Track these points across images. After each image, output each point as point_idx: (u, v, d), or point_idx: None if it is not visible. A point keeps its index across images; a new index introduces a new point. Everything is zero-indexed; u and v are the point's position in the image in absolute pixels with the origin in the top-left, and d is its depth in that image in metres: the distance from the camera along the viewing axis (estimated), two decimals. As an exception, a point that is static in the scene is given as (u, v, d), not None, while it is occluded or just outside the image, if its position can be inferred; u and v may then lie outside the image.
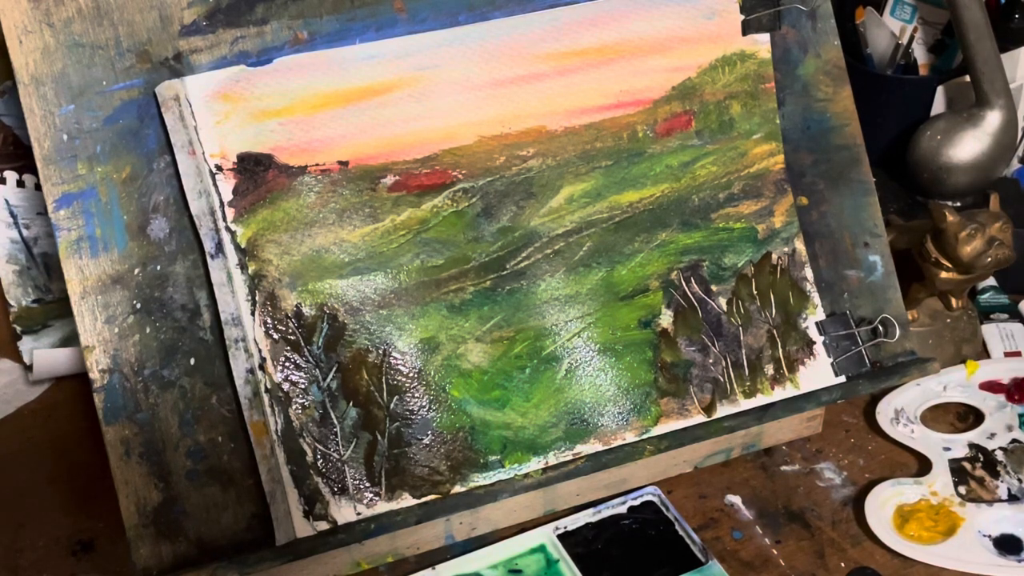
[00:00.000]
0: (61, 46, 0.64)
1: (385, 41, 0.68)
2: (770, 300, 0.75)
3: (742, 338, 0.74)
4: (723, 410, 0.73)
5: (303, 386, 0.66)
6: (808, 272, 0.76)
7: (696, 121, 0.74)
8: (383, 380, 0.67)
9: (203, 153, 0.65)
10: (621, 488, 0.77)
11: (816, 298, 0.76)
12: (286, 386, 0.66)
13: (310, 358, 0.66)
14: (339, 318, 0.67)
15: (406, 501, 0.67)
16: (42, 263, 0.89)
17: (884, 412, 0.82)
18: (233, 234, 0.65)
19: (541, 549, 0.74)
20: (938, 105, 1.02)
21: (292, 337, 0.66)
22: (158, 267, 0.66)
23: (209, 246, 0.65)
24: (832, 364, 0.76)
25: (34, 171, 0.72)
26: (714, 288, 0.74)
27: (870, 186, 0.78)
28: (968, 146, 0.96)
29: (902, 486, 0.76)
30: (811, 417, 0.81)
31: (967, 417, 0.83)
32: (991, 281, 0.96)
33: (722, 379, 0.73)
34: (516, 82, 0.70)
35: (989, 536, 0.73)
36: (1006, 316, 0.93)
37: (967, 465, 0.78)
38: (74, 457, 0.83)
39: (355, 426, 0.67)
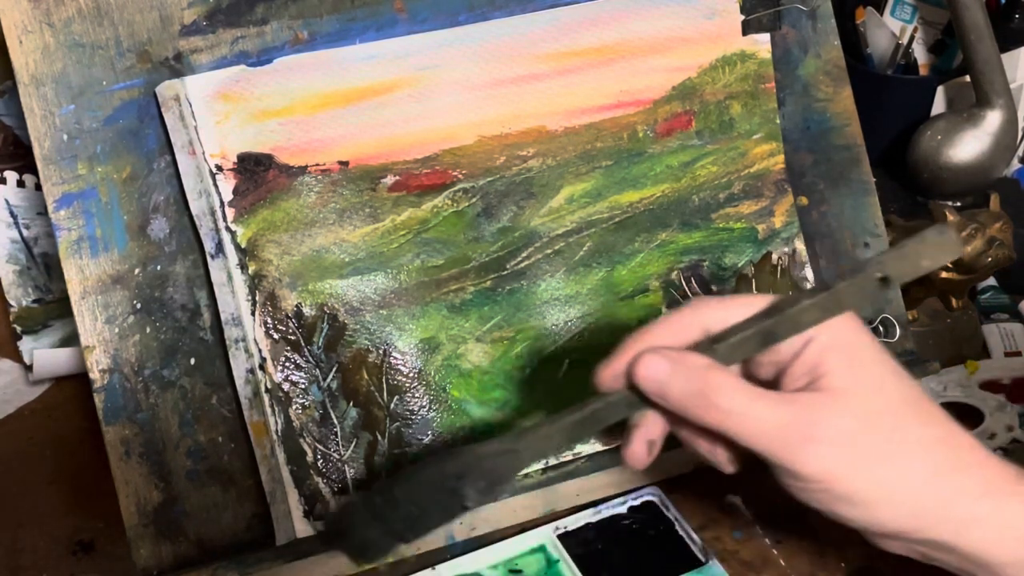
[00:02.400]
0: (61, 46, 0.64)
1: (385, 41, 0.69)
2: (770, 300, 0.75)
3: (742, 338, 0.74)
4: (723, 410, 0.73)
5: (303, 386, 0.66)
6: (808, 272, 0.76)
7: (696, 121, 0.74)
8: (383, 380, 0.67)
9: (203, 153, 0.65)
10: (621, 488, 0.77)
11: (816, 298, 0.76)
12: (286, 386, 0.66)
13: (310, 358, 0.66)
14: (339, 318, 0.67)
15: (406, 501, 0.67)
16: (42, 263, 0.89)
17: (884, 412, 0.82)
18: (233, 234, 0.65)
19: (541, 549, 0.74)
20: (938, 105, 1.02)
21: (292, 337, 0.66)
22: (158, 267, 0.66)
23: (209, 246, 0.65)
24: (832, 364, 0.76)
25: (34, 171, 0.72)
26: (714, 288, 0.74)
27: (870, 186, 0.79)
28: (968, 146, 0.97)
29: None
30: (811, 417, 0.81)
31: (967, 417, 0.83)
32: (991, 281, 0.96)
33: (722, 379, 0.73)
34: (516, 82, 0.70)
35: (989, 536, 0.73)
36: (1006, 316, 0.93)
37: (967, 465, 0.78)
38: (74, 457, 0.83)
39: (355, 426, 0.67)
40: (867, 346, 0.51)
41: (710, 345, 0.51)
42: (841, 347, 0.50)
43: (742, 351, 0.51)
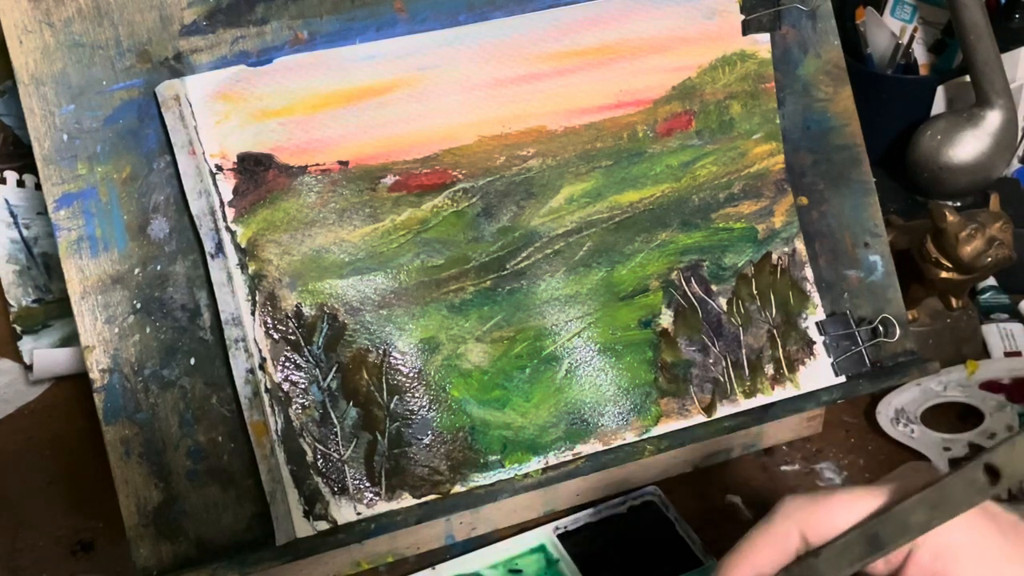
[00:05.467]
0: (61, 46, 0.64)
1: (385, 41, 0.68)
2: (770, 300, 0.75)
3: (742, 338, 0.74)
4: (723, 410, 0.73)
5: (303, 386, 0.66)
6: (808, 272, 0.76)
7: (696, 121, 0.74)
8: (383, 380, 0.67)
9: (203, 153, 0.65)
10: (621, 488, 0.77)
11: (816, 298, 0.76)
12: (286, 386, 0.66)
13: (310, 358, 0.66)
14: (339, 318, 0.67)
15: (406, 501, 0.67)
16: (42, 263, 0.89)
17: (884, 412, 0.82)
18: (233, 234, 0.65)
19: (541, 549, 0.74)
20: (938, 105, 1.02)
21: (292, 337, 0.66)
22: (158, 267, 0.66)
23: (209, 246, 0.65)
24: (832, 364, 0.76)
25: (34, 171, 0.72)
26: (714, 288, 0.74)
27: (870, 186, 0.78)
28: (968, 146, 0.96)
29: (902, 486, 0.76)
30: (811, 417, 0.81)
31: (967, 417, 0.83)
32: (991, 281, 0.96)
33: (722, 379, 0.73)
34: (516, 82, 0.70)
35: (989, 536, 0.73)
36: (1006, 316, 0.93)
37: (967, 465, 0.78)
38: (74, 457, 0.83)
39: (355, 426, 0.67)
40: (994, 548, 0.45)
41: (813, 559, 0.46)
42: (963, 552, 0.45)
43: (848, 559, 0.45)
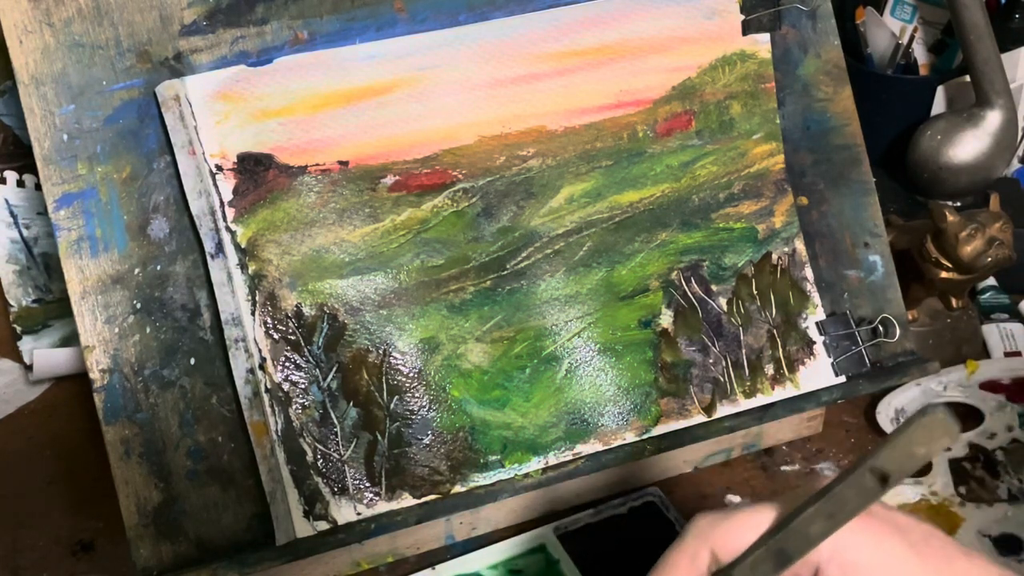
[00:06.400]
0: (61, 46, 0.64)
1: (385, 41, 0.68)
2: (770, 300, 0.75)
3: (742, 338, 0.74)
4: (723, 410, 0.73)
5: (303, 386, 0.66)
6: (808, 272, 0.76)
7: (696, 121, 0.74)
8: (383, 380, 0.67)
9: (203, 153, 0.65)
10: (621, 488, 0.77)
11: (816, 298, 0.76)
12: (286, 386, 0.66)
13: (310, 358, 0.66)
14: (339, 318, 0.67)
15: (406, 501, 0.67)
16: (42, 263, 0.89)
17: (884, 412, 0.82)
18: (233, 234, 0.65)
19: (541, 549, 0.74)
20: (938, 105, 1.02)
21: (292, 337, 0.66)
22: (158, 267, 0.66)
23: (209, 246, 0.65)
24: (832, 364, 0.76)
25: (34, 171, 0.72)
26: (714, 288, 0.74)
27: (870, 186, 0.78)
28: (968, 146, 0.97)
29: (902, 486, 0.76)
30: (811, 417, 0.81)
31: (967, 417, 0.83)
32: (991, 281, 0.96)
33: (722, 379, 0.73)
34: (516, 82, 0.70)
35: (989, 536, 0.73)
36: (1006, 316, 0.93)
37: (967, 465, 0.79)
38: (74, 457, 0.83)
39: (355, 426, 0.67)
40: (902, 565, 0.45)
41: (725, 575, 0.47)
42: (870, 571, 0.45)
43: (759, 574, 0.46)
